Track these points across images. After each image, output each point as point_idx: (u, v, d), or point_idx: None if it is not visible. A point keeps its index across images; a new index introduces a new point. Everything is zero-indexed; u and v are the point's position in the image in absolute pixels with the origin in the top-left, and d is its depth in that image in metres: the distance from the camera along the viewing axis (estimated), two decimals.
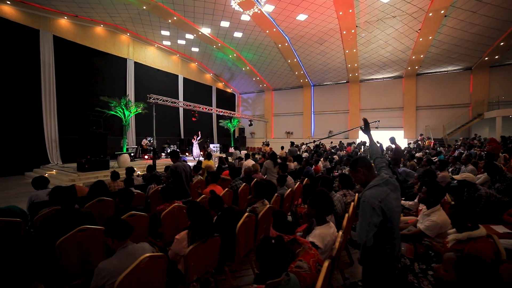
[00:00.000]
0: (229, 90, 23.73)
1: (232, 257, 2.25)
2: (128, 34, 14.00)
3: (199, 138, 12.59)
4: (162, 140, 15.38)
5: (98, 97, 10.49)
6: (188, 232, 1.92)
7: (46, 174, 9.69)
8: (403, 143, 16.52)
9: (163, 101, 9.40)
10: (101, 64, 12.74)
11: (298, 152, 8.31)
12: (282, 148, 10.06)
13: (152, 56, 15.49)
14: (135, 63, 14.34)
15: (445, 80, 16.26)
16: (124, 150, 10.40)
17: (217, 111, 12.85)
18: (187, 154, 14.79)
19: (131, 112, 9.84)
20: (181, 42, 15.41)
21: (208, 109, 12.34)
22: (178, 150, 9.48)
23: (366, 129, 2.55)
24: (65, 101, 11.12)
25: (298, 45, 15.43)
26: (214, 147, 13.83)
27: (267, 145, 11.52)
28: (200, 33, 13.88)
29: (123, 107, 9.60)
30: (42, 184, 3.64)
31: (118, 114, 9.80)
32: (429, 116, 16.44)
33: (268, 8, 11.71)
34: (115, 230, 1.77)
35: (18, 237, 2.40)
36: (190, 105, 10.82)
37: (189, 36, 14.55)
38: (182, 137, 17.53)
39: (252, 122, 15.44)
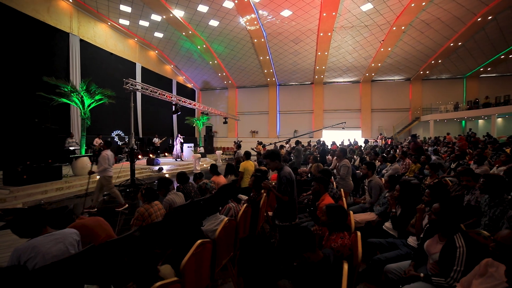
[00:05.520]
0: (189, 85, 21.63)
1: None
2: (70, 0, 10.80)
3: (178, 137, 10.80)
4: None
5: (37, 77, 7.55)
6: None
7: None
8: (360, 141, 18.39)
9: (142, 88, 7.47)
10: (31, 34, 9.29)
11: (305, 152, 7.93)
12: (282, 147, 9.51)
13: (103, 36, 12.47)
14: (82, 41, 11.21)
15: (392, 87, 18.94)
16: (83, 152, 7.85)
17: (199, 106, 11.27)
18: (151, 155, 12.52)
19: (94, 101, 7.44)
20: (144, 23, 12.96)
21: (193, 104, 10.67)
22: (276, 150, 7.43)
23: None
24: None
25: (273, 42, 15.19)
26: (188, 146, 12.08)
27: (260, 143, 10.75)
28: (171, 15, 11.95)
29: (83, 94, 7.16)
30: (39, 227, 1.71)
31: (75, 104, 7.28)
32: (382, 117, 18.85)
33: None
34: None
35: None
36: (171, 97, 9.04)
37: (155, 17, 12.35)
38: (141, 135, 14.89)
39: (226, 120, 14.30)
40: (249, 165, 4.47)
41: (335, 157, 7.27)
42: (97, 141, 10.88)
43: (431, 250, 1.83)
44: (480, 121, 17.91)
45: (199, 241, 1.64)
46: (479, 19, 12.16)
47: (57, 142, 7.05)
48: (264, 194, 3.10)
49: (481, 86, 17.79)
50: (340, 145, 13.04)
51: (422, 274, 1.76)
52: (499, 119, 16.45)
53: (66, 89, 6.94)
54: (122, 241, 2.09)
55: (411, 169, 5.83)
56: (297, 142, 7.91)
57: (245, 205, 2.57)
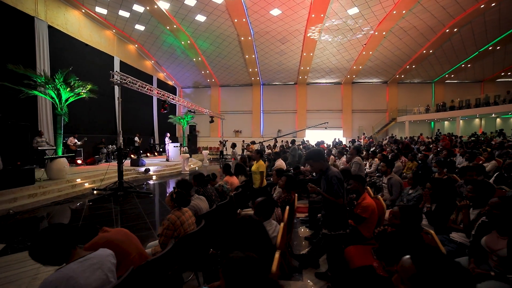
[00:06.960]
0: (170, 83, 20.63)
1: None
2: None
3: (166, 136, 10.13)
4: (96, 139, 11.56)
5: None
6: None
7: None
8: (342, 141, 19.07)
9: (131, 82, 6.83)
10: None
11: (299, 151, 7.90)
12: (274, 146, 9.38)
13: (77, 25, 11.26)
14: (50, 28, 9.96)
15: (370, 89, 19.94)
16: (60, 153, 6.95)
17: (187, 103, 10.70)
18: (132, 155, 11.63)
19: (74, 95, 6.60)
20: (124, 14, 11.98)
21: (181, 101, 10.07)
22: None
23: None
24: None
25: (260, 41, 15.07)
26: (175, 146, 11.43)
27: (253, 143, 10.50)
28: (155, 6, 11.21)
29: (60, 87, 6.32)
30: (69, 248, 1.34)
31: (49, 98, 6.40)
32: (361, 118, 19.75)
33: None
34: None
35: None
36: (159, 93, 8.43)
37: (137, 7, 11.49)
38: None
39: (213, 119, 13.83)
40: (262, 164, 4.25)
41: (331, 156, 7.37)
42: (72, 141, 9.81)
43: (493, 246, 1.80)
44: (446, 123, 19.64)
45: (278, 253, 1.42)
46: (447, 30, 13.32)
47: (27, 141, 6.14)
48: (296, 195, 2.93)
49: (446, 91, 19.53)
50: (328, 145, 13.35)
51: (493, 273, 1.72)
52: (461, 121, 18.22)
53: (39, 80, 6.06)
54: (164, 259, 1.77)
55: (408, 167, 6.08)
56: (293, 141, 7.86)
57: (287, 207, 2.38)
